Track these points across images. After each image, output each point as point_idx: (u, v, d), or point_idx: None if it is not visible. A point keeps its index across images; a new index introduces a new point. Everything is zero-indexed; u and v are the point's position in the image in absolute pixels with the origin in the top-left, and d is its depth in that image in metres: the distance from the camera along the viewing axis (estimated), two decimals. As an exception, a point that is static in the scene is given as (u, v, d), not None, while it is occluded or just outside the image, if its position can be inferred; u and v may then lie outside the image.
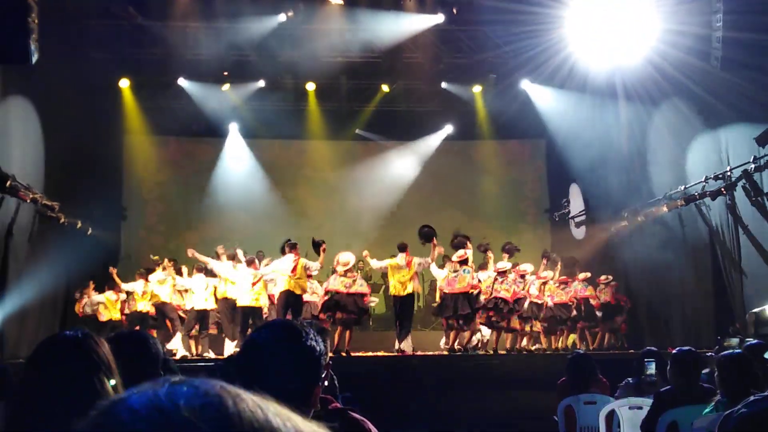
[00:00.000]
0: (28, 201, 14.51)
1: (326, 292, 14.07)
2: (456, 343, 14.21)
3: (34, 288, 15.45)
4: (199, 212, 20.89)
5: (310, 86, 19.70)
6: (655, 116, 16.93)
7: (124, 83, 18.82)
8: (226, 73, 19.04)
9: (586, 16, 15.16)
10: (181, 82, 19.18)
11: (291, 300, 13.92)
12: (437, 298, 14.77)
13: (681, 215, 16.27)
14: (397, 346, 14.06)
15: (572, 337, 16.64)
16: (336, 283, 13.89)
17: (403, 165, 21.35)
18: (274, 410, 0.82)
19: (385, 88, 19.85)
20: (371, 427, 3.04)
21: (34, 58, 11.55)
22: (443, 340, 15.02)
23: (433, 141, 21.40)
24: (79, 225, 17.24)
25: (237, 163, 21.22)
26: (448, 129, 21.16)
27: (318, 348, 2.32)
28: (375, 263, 14.60)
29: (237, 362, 2.37)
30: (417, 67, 18.97)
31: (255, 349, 2.31)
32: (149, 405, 0.78)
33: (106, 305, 16.52)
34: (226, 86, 19.43)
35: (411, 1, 17.19)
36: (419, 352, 14.12)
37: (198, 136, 21.11)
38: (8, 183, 13.37)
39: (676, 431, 5.50)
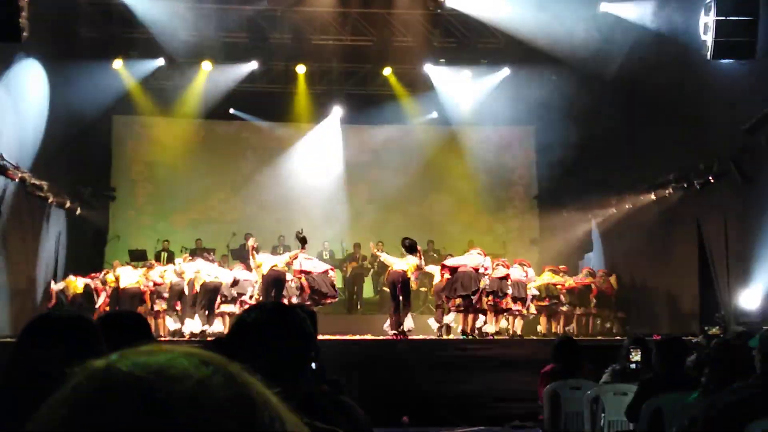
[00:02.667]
0: (16, 180, 14.44)
1: (302, 272, 14.43)
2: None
3: (22, 267, 15.42)
4: (188, 193, 20.82)
5: (301, 69, 19.58)
6: (645, 102, 16.94)
7: (117, 63, 18.62)
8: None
9: None
10: (171, 62, 19.08)
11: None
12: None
13: (669, 202, 16.32)
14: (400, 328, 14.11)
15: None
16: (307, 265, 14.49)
17: (391, 149, 21.29)
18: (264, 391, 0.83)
19: (386, 71, 19.73)
20: (359, 410, 3.06)
21: (24, 36, 11.48)
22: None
23: (421, 125, 21.32)
24: (68, 205, 17.19)
25: (227, 144, 21.13)
26: (437, 113, 21.06)
27: (307, 331, 2.31)
28: (386, 257, 14.90)
29: (225, 343, 2.36)
30: (407, 50, 18.94)
31: (244, 330, 2.29)
32: (154, 369, 0.77)
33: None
34: (208, 66, 19.22)
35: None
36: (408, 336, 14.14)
37: (187, 116, 21.03)
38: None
39: (661, 418, 5.53)
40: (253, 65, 19.52)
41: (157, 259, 17.26)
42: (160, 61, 19.04)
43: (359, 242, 19.19)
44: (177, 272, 15.20)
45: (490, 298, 14.32)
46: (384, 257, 14.96)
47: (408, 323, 14.10)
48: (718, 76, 13.59)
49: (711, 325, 12.41)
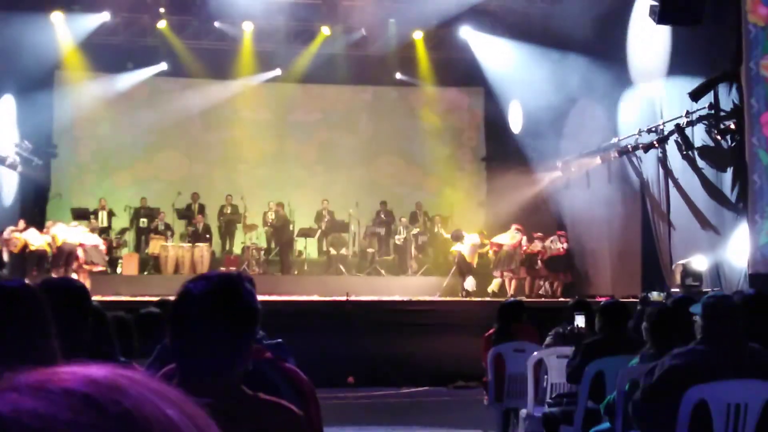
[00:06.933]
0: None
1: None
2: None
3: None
4: (132, 151, 20.46)
5: (248, 26, 19.24)
6: (591, 67, 17.00)
7: (57, 16, 18.08)
8: (162, 10, 18.61)
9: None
10: (116, 17, 18.66)
11: None
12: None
13: (613, 167, 16.50)
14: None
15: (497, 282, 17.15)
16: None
17: (340, 109, 21.16)
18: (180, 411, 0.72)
19: (325, 30, 19.51)
20: (303, 377, 3.04)
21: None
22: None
23: (371, 86, 21.18)
24: (8, 161, 16.81)
25: (172, 102, 20.69)
26: (390, 74, 20.86)
27: (254, 302, 2.26)
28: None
29: (171, 312, 2.29)
30: (358, 10, 18.73)
31: (191, 300, 2.21)
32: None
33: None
34: (163, 23, 18.94)
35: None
36: (353, 297, 14.10)
37: (133, 73, 20.61)
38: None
39: (602, 381, 5.63)
40: (197, 20, 19.15)
41: (95, 217, 17.15)
42: (105, 16, 18.57)
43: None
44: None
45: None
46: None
47: (469, 284, 16.47)
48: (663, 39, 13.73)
49: (652, 290, 12.62)
